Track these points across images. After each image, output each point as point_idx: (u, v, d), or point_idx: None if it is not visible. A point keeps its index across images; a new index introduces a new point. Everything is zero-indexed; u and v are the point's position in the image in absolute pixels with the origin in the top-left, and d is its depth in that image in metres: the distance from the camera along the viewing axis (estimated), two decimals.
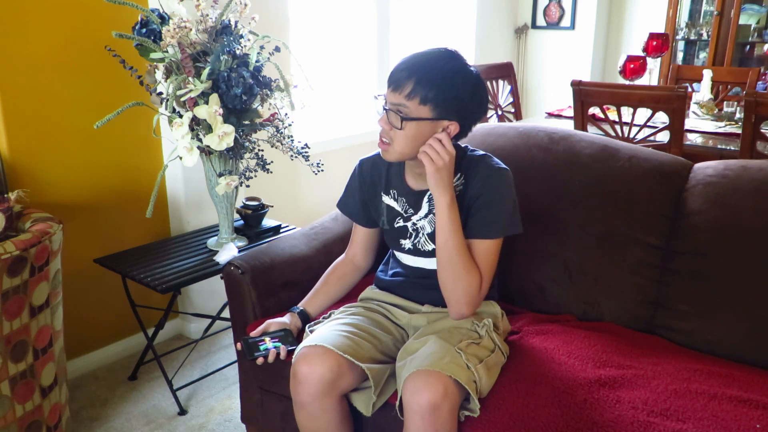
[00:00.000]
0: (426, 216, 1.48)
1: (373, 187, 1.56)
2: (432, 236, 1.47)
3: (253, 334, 1.50)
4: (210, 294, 2.45)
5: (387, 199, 1.54)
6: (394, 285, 1.58)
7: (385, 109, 1.37)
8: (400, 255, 1.56)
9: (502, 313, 1.54)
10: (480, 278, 1.40)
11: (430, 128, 1.35)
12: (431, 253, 1.49)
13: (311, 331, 1.49)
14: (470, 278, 1.38)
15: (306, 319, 1.57)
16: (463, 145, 1.49)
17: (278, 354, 1.43)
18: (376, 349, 1.41)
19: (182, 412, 2.07)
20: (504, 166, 1.45)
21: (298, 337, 1.51)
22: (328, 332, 1.40)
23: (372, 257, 1.67)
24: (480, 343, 1.37)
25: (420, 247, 1.50)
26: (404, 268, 1.56)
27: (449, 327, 1.42)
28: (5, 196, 1.68)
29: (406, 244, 1.52)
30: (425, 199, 1.48)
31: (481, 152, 1.48)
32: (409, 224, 1.50)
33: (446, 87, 1.32)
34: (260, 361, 1.41)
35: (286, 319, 1.54)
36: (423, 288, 1.53)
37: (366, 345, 1.39)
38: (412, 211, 1.50)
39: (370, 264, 1.68)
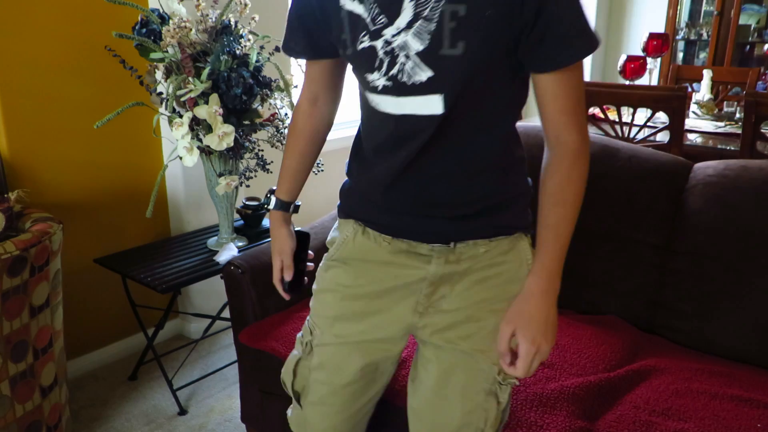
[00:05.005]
0: (409, 25, 0.88)
1: None
2: (425, 56, 0.89)
3: (277, 280, 1.29)
4: (210, 294, 2.45)
5: (348, 3, 0.94)
6: (370, 209, 1.08)
7: None
8: (373, 99, 0.98)
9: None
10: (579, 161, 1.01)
11: None
12: (426, 87, 0.91)
13: (310, 332, 1.21)
14: (578, 206, 1.04)
15: (285, 208, 1.25)
16: None
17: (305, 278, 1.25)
18: (375, 352, 1.18)
19: (182, 412, 2.07)
20: None
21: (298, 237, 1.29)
22: (320, 418, 1.20)
23: (339, 96, 1.19)
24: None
25: (403, 78, 0.91)
26: (381, 137, 1.00)
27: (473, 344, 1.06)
28: (5, 196, 1.68)
29: (377, 79, 0.94)
30: None
31: None
32: (378, 42, 0.91)
33: None
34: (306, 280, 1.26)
35: (285, 244, 1.24)
36: (418, 203, 1.03)
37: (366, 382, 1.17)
38: (384, 18, 0.90)
39: (337, 106, 1.21)
